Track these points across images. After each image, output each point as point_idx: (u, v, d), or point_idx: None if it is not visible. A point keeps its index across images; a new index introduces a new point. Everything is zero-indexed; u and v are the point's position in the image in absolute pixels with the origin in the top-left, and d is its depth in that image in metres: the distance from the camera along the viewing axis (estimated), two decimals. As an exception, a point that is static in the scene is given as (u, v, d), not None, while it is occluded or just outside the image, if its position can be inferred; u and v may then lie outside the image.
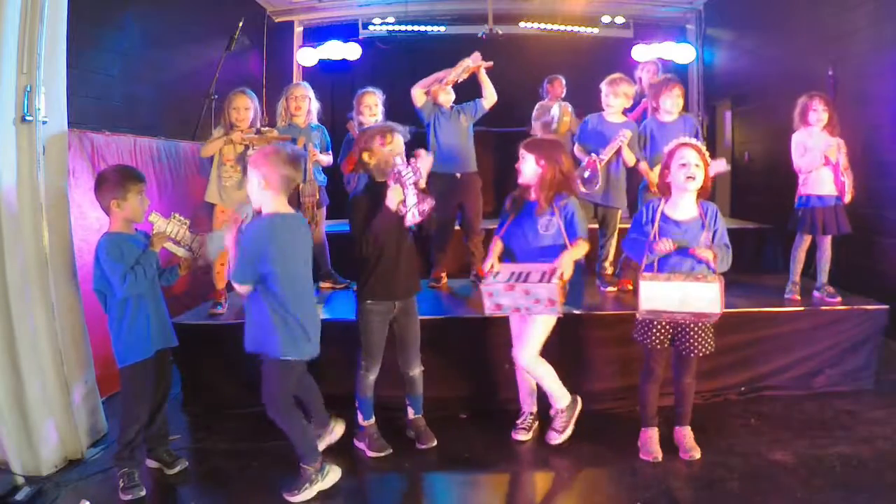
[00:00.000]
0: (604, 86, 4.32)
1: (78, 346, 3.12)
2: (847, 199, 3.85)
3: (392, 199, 2.82)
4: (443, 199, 4.44)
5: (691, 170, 2.85)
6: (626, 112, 4.44)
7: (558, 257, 2.97)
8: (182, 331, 3.47)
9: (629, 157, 4.17)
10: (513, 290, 2.92)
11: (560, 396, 3.19)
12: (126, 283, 2.66)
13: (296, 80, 7.53)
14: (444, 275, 4.58)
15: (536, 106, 6.12)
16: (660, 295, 2.80)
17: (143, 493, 2.77)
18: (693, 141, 2.96)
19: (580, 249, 3.03)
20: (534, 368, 3.12)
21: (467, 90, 4.60)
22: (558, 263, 2.95)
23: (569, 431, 3.17)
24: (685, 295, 2.78)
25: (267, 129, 4.12)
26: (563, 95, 6.07)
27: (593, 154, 4.15)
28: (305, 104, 4.41)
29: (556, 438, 3.16)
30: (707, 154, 2.93)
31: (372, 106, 4.42)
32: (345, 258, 4.56)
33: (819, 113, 3.86)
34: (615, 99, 4.26)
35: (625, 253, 3.11)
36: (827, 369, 3.74)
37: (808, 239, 4.02)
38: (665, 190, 2.97)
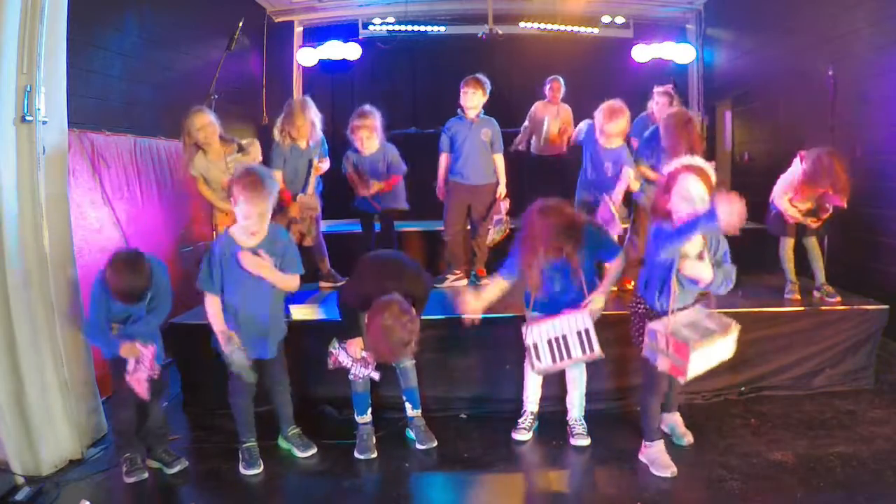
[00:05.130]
0: (600, 116, 4.00)
1: (78, 347, 3.12)
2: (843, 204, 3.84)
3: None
4: (456, 204, 4.51)
5: (696, 206, 2.55)
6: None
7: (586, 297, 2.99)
8: (182, 331, 3.49)
9: (635, 186, 4.09)
10: (556, 364, 3.03)
11: (581, 405, 3.25)
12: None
13: (296, 80, 7.55)
14: (459, 272, 4.58)
15: (538, 108, 6.10)
16: (701, 362, 2.70)
17: (146, 475, 2.82)
18: (702, 164, 2.64)
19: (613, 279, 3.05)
20: (582, 369, 3.20)
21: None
22: (590, 304, 2.98)
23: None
24: (716, 353, 2.73)
25: (248, 141, 4.00)
26: (561, 97, 6.06)
27: (605, 196, 3.94)
28: (307, 129, 4.25)
29: (583, 440, 3.17)
30: (714, 176, 2.64)
31: (364, 139, 4.31)
32: (344, 258, 4.57)
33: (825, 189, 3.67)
34: (615, 128, 3.96)
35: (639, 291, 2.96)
36: (827, 369, 3.74)
37: (790, 240, 4.02)
38: (665, 215, 2.68)
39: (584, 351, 2.97)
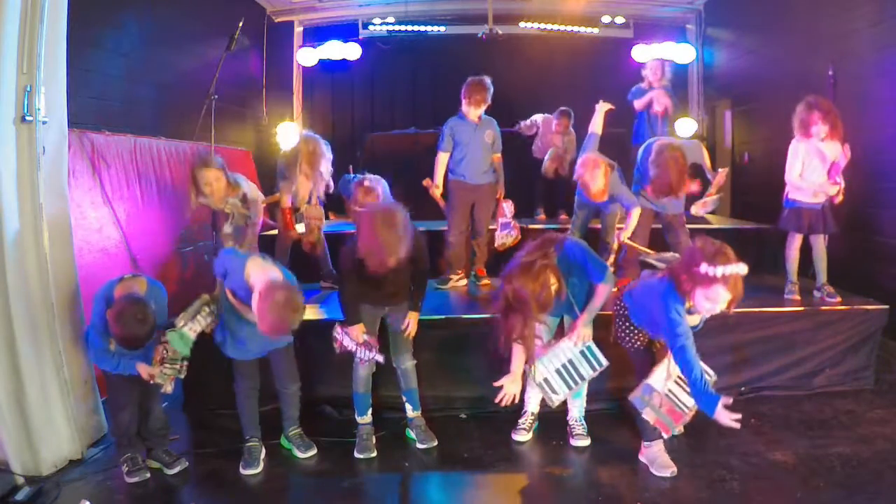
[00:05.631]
0: (581, 171, 4.02)
1: (78, 347, 3.12)
2: (839, 199, 3.85)
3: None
4: (460, 205, 4.51)
5: (716, 311, 2.61)
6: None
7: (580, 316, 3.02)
8: (182, 331, 3.48)
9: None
10: (573, 390, 3.09)
11: (581, 406, 3.27)
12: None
13: (296, 80, 7.54)
14: (461, 273, 4.61)
15: (545, 133, 6.08)
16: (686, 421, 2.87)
17: (148, 475, 2.83)
18: (741, 273, 2.53)
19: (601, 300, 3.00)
20: None
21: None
22: (582, 330, 3.02)
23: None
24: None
25: (253, 199, 3.94)
26: (569, 128, 6.04)
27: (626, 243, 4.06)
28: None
29: (583, 441, 3.19)
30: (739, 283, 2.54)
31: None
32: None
33: (820, 126, 3.76)
34: (596, 188, 3.98)
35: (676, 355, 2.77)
36: (827, 369, 3.74)
37: (799, 237, 4.02)
38: (683, 293, 2.63)
39: (593, 368, 3.04)
